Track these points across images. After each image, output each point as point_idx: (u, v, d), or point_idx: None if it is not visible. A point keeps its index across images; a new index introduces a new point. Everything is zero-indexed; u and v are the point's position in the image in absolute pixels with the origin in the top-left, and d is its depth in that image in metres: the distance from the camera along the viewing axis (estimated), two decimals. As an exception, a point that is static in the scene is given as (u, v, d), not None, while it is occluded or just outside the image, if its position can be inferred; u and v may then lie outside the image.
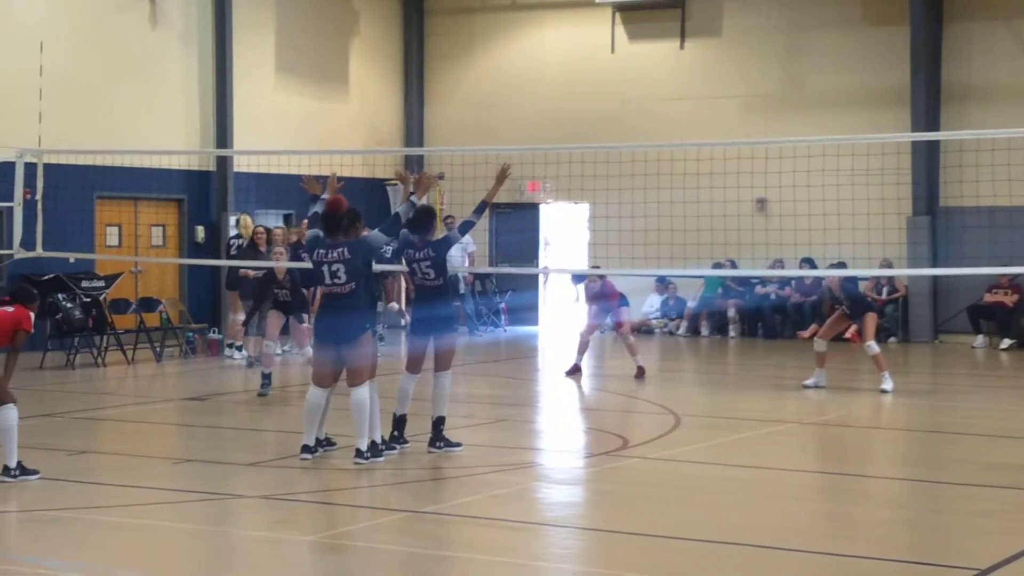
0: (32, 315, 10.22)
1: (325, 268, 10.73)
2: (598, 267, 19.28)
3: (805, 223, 21.08)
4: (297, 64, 24.43)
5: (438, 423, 11.43)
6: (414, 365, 11.59)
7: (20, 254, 14.70)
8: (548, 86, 25.76)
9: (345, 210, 10.87)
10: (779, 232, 19.29)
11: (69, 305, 18.72)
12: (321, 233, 10.91)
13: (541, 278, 25.84)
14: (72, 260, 18.23)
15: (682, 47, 24.78)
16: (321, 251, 10.80)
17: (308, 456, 10.89)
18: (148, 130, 21.26)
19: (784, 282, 23.44)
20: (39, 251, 14.68)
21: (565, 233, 26.30)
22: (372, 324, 11.07)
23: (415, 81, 26.84)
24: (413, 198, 11.38)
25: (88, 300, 19.15)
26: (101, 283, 19.76)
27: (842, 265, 19.48)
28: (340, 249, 10.74)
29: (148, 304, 20.43)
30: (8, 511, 9.36)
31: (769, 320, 23.41)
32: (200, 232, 22.52)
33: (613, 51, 25.26)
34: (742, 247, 22.43)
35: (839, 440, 13.10)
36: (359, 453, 10.75)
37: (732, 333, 23.70)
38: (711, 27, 24.67)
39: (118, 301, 20.04)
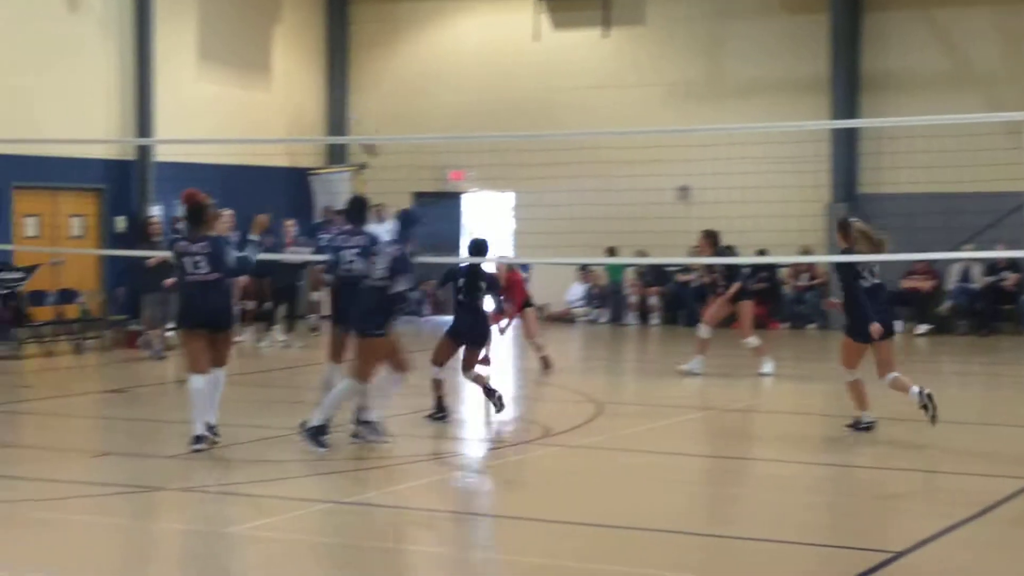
0: None
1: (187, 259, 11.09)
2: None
3: (726, 210, 21.31)
4: (220, 52, 24.23)
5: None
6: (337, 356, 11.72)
7: (-65, 246, 14.50)
8: (473, 74, 25.76)
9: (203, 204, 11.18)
10: (701, 220, 19.43)
11: (-15, 297, 18.47)
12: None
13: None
14: (-12, 251, 17.99)
15: (606, 35, 24.88)
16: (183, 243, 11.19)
17: (200, 446, 10.87)
18: (67, 119, 20.97)
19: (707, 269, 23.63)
20: (-46, 243, 14.48)
21: (489, 222, 26.33)
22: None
23: (339, 69, 26.73)
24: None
25: (5, 292, 18.89)
26: (19, 275, 19.49)
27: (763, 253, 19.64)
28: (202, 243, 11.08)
29: (67, 296, 20.20)
30: (-78, 507, 9.24)
31: (691, 308, 23.60)
32: (121, 222, 22.28)
33: (537, 39, 25.28)
34: (665, 234, 22.60)
35: (752, 426, 13.28)
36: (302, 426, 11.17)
37: (655, 321, 23.88)
38: (635, 15, 24.79)
39: (36, 293, 19.78)
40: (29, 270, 19.72)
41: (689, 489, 10.01)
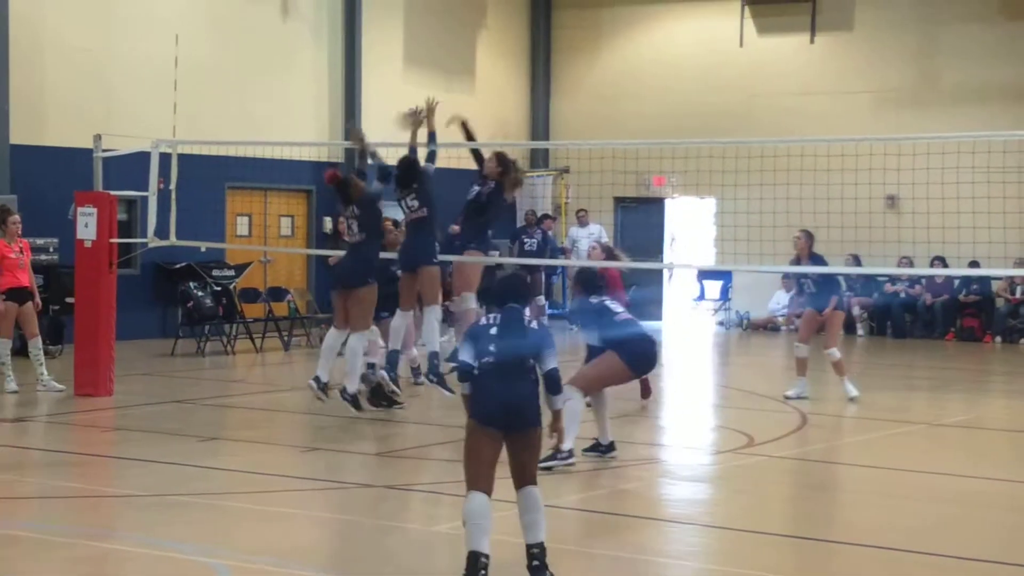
0: None
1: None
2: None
3: (937, 221, 20.63)
4: (425, 57, 24.57)
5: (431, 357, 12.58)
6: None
7: (154, 243, 14.95)
8: (675, 80, 25.57)
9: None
10: (910, 230, 18.85)
11: (200, 294, 19.06)
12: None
13: (666, 273, 25.66)
14: (203, 249, 18.55)
15: (812, 41, 24.41)
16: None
17: (314, 384, 12.54)
18: (279, 121, 21.53)
19: (914, 280, 23.00)
20: (172, 240, 14.93)
21: (690, 228, 26.10)
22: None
23: (541, 74, 26.85)
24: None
25: (219, 289, 19.49)
26: (231, 272, 20.10)
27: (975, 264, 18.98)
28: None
29: (276, 294, 20.72)
30: (140, 495, 9.54)
31: (898, 319, 22.97)
32: (328, 223, 22.76)
33: (741, 45, 24.97)
34: (871, 244, 21.99)
35: (970, 442, 12.77)
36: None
37: (860, 332, 23.28)
38: (843, 21, 24.27)
39: (247, 290, 20.35)
40: (241, 268, 20.31)
41: (898, 504, 9.66)
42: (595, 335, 10.61)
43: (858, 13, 24.21)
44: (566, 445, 10.33)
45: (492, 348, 7.16)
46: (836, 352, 14.68)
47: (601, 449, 10.84)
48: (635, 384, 12.91)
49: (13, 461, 11.13)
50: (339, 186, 12.89)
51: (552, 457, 10.05)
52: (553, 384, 7.23)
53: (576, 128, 26.08)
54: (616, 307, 10.77)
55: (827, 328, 14.79)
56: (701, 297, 25.92)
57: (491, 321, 7.29)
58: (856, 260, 21.88)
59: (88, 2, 19.28)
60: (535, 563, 7.05)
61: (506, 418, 7.08)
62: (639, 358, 10.69)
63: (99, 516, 9.16)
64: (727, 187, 22.64)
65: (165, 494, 9.45)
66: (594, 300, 10.72)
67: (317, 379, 12.62)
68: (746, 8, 24.97)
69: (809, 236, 14.88)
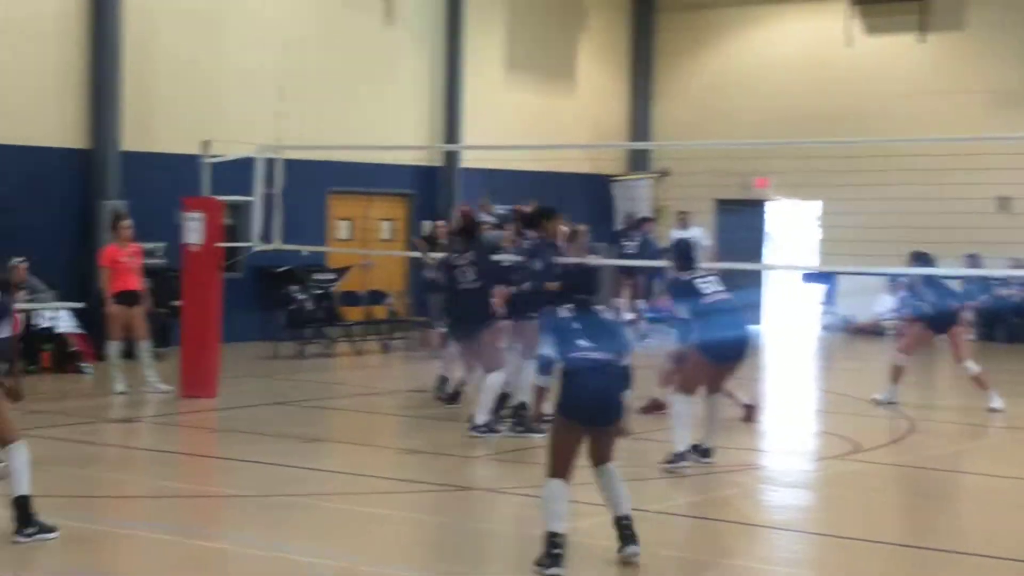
0: None
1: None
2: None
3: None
4: (526, 60, 24.57)
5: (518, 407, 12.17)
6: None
7: (258, 246, 15.12)
8: (780, 81, 25.27)
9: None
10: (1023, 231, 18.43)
11: (302, 297, 19.24)
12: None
13: (766, 276, 25.34)
14: (305, 253, 18.70)
15: (922, 40, 23.99)
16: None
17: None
18: (379, 126, 21.66)
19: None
20: (276, 244, 15.09)
21: (792, 230, 25.77)
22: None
23: (643, 76, 26.71)
24: None
25: (320, 292, 19.66)
26: (332, 276, 20.27)
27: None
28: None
29: (376, 297, 20.84)
30: (244, 495, 9.64)
31: (1010, 323, 22.47)
32: (427, 227, 22.85)
33: (849, 45, 24.62)
34: (983, 245, 21.55)
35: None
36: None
37: (970, 336, 22.79)
38: (954, 20, 23.81)
39: (348, 294, 20.50)
40: (341, 271, 20.47)
41: (1012, 513, 9.42)
42: (684, 308, 10.42)
43: (970, 13, 23.73)
44: (678, 448, 10.28)
45: (581, 342, 7.56)
46: (973, 365, 14.02)
47: (700, 451, 10.62)
48: (741, 393, 12.77)
49: (122, 461, 11.33)
50: (467, 226, 12.71)
51: (668, 461, 10.21)
52: (627, 379, 7.62)
53: (677, 131, 25.89)
54: (705, 286, 10.40)
55: (953, 343, 14.13)
56: (829, 301, 25.28)
57: (569, 316, 7.66)
58: (974, 261, 21.29)
59: (197, 15, 19.56)
60: (626, 532, 7.62)
61: (592, 413, 7.51)
62: (715, 345, 10.26)
63: (205, 515, 9.28)
64: (833, 188, 22.35)
65: (269, 495, 9.54)
66: (684, 276, 10.54)
67: (475, 426, 11.94)
68: (854, 8, 24.59)
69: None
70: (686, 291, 10.42)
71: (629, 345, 7.72)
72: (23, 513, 8.12)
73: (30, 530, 8.10)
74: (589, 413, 7.49)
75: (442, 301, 13.79)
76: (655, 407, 12.81)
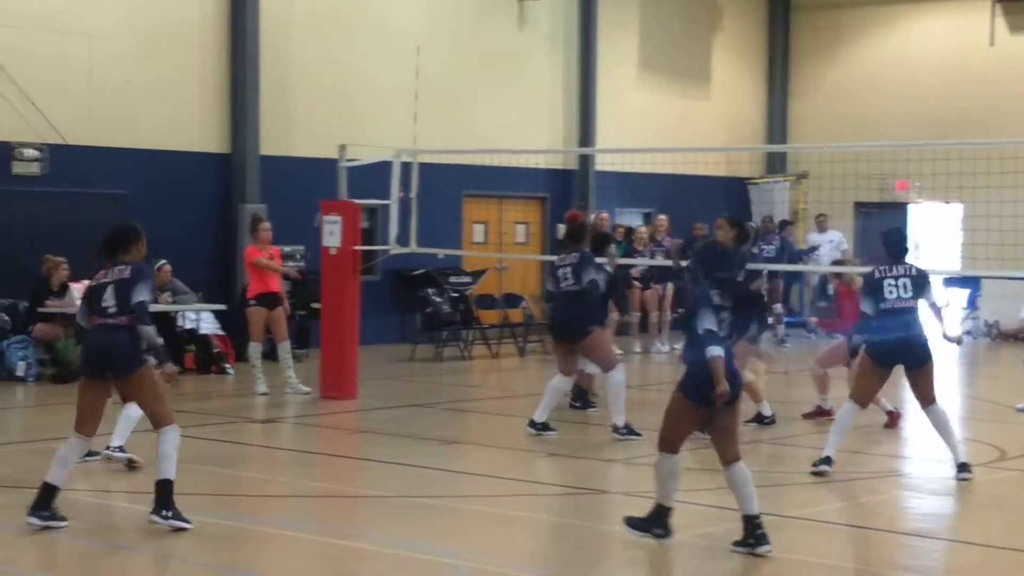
0: None
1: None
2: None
3: None
4: (660, 61, 24.46)
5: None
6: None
7: (395, 250, 15.28)
8: (920, 81, 24.77)
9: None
10: None
11: (438, 300, 19.40)
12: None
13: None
14: (441, 256, 18.81)
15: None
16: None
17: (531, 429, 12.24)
18: (513, 130, 21.75)
19: None
20: (412, 247, 15.23)
21: (935, 234, 25.21)
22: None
23: (779, 77, 26.40)
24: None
25: (456, 295, 19.79)
26: (468, 279, 20.40)
27: None
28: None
29: (512, 300, 20.91)
30: (384, 496, 9.74)
31: None
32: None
33: (992, 44, 24.02)
34: None
35: None
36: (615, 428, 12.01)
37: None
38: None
39: (484, 297, 20.60)
40: (477, 275, 20.59)
41: None
42: (869, 306, 10.28)
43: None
44: (826, 452, 10.22)
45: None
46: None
47: (957, 466, 10.29)
48: (889, 398, 12.63)
49: (264, 461, 11.54)
50: (576, 229, 12.47)
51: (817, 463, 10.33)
52: None
53: (814, 132, 25.54)
54: (890, 290, 10.22)
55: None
56: (971, 306, 24.61)
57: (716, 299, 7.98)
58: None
59: (331, 22, 19.87)
60: (758, 531, 7.87)
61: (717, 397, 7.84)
62: (881, 350, 10.22)
63: (345, 515, 9.40)
64: (977, 190, 21.76)
65: (408, 496, 9.62)
66: (877, 273, 10.38)
67: (533, 422, 12.24)
68: (997, 6, 23.99)
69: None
70: (874, 289, 10.31)
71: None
72: (164, 497, 8.31)
73: (167, 512, 8.29)
74: (711, 399, 7.85)
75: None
76: (820, 413, 12.95)
